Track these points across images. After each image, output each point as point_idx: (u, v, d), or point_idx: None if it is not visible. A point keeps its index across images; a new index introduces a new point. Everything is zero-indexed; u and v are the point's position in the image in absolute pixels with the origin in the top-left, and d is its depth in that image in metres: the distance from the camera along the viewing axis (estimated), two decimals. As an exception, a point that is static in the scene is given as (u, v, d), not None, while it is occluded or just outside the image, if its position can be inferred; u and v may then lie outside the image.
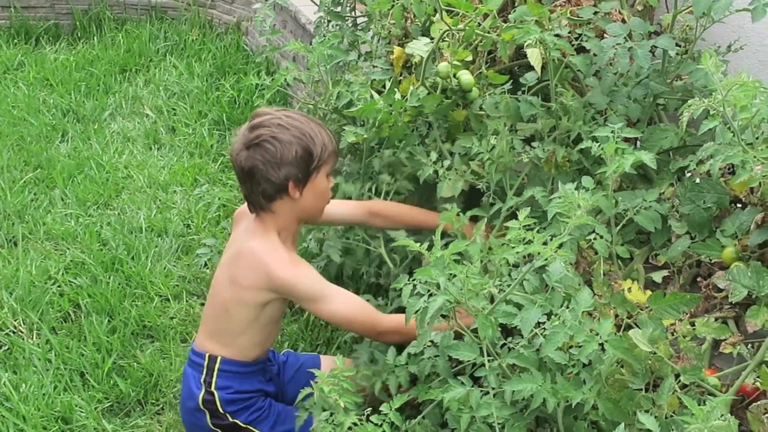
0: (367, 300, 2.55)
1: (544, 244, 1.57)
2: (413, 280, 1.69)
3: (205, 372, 2.21)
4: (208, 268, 3.42)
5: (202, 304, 3.26)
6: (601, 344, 1.59)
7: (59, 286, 3.32)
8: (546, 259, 1.57)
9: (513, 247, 1.61)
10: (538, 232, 1.61)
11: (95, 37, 6.37)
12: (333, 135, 2.18)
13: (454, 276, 1.62)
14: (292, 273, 2.10)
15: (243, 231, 2.23)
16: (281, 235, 2.16)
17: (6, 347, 2.98)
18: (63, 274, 3.39)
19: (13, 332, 3.05)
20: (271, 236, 2.14)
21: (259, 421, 2.23)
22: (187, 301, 3.27)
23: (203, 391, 2.21)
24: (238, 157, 2.09)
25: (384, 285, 2.72)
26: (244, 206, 2.29)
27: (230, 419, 2.21)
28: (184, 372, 2.30)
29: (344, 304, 2.14)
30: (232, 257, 2.19)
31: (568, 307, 1.59)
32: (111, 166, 4.36)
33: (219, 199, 3.97)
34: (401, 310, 2.43)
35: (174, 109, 5.11)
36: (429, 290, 1.64)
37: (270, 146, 2.05)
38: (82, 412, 2.67)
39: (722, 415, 1.40)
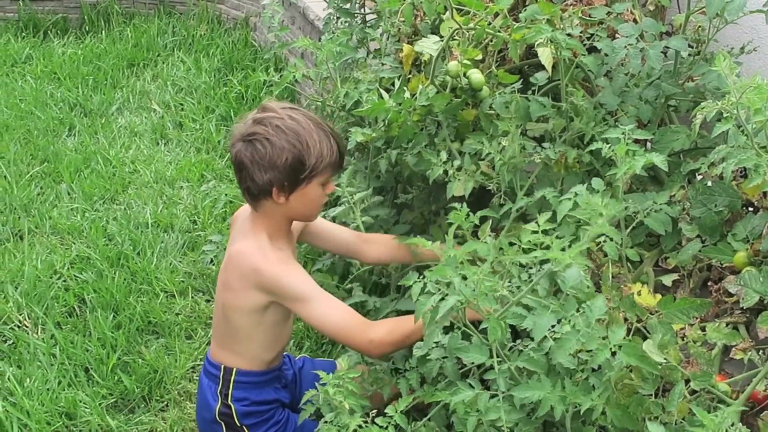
0: (366, 301, 2.54)
1: (562, 250, 1.55)
2: (423, 278, 1.67)
3: (221, 383, 2.18)
4: (213, 265, 3.40)
5: (208, 301, 3.26)
6: (613, 352, 1.57)
7: (65, 281, 3.32)
8: (562, 266, 1.55)
9: (530, 251, 1.58)
10: (557, 237, 1.58)
11: (103, 31, 6.38)
12: (339, 144, 2.07)
13: (466, 277, 1.60)
14: (280, 271, 2.02)
15: (235, 233, 2.18)
16: (272, 235, 2.09)
17: (11, 341, 2.98)
18: (68, 268, 3.39)
19: (18, 326, 3.04)
20: (259, 236, 2.07)
21: None
22: (192, 297, 3.27)
23: (219, 403, 2.18)
24: (233, 148, 2.04)
25: (387, 284, 2.71)
26: (241, 209, 2.25)
27: None
28: (200, 380, 2.27)
29: (334, 308, 2.03)
30: (225, 261, 2.15)
31: (580, 313, 1.56)
32: (118, 161, 4.36)
33: (226, 195, 3.96)
34: (399, 313, 2.43)
35: (181, 104, 5.11)
36: (440, 289, 1.62)
37: (261, 147, 1.98)
38: (86, 407, 2.67)
39: (733, 424, 1.38)
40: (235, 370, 2.17)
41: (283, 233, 2.14)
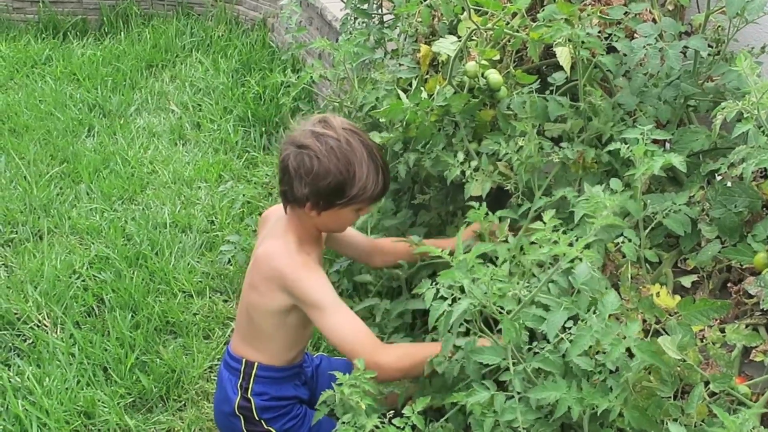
0: (377, 304, 2.53)
1: (570, 245, 1.54)
2: (435, 283, 1.66)
3: (241, 377, 2.19)
4: (231, 265, 3.42)
5: (225, 301, 3.27)
6: (628, 349, 1.56)
7: (83, 281, 3.34)
8: (572, 261, 1.54)
9: (539, 248, 1.58)
10: (564, 233, 1.58)
11: (122, 33, 6.42)
12: (386, 178, 2.06)
13: (478, 279, 1.59)
14: (302, 275, 2.02)
15: (265, 234, 2.20)
16: (302, 239, 2.09)
17: (30, 341, 3.00)
18: (87, 268, 3.41)
19: (38, 326, 3.07)
20: (289, 238, 2.08)
21: (294, 429, 2.22)
22: (210, 297, 3.28)
23: (239, 396, 2.19)
24: (284, 149, 2.03)
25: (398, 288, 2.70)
26: (272, 208, 2.27)
27: (265, 426, 2.19)
28: (219, 374, 2.28)
29: (349, 321, 2.00)
30: (252, 262, 2.15)
31: (594, 311, 1.56)
32: (136, 161, 4.38)
33: (243, 195, 3.98)
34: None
35: (199, 105, 5.13)
36: (453, 294, 1.61)
37: (308, 162, 1.97)
38: (104, 407, 2.68)
39: (753, 427, 1.37)
40: (256, 364, 2.18)
41: (312, 239, 2.15)
